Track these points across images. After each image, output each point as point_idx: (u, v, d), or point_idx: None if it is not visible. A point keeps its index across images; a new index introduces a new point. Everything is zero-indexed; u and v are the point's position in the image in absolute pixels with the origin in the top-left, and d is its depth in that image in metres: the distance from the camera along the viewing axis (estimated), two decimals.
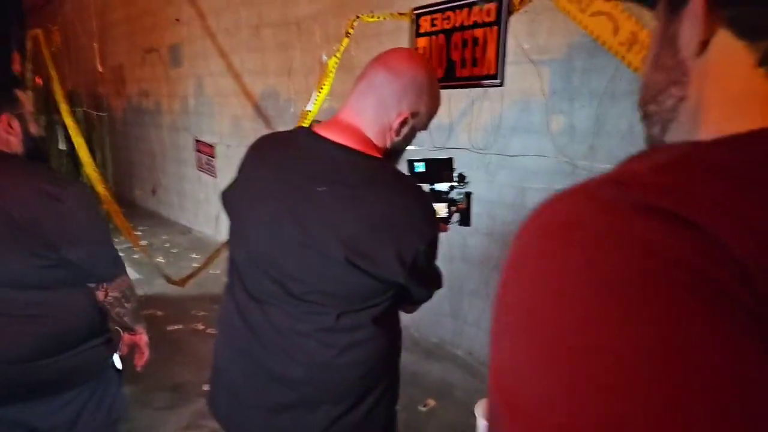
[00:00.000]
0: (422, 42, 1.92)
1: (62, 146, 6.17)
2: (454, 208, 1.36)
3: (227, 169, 5.07)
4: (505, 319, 0.33)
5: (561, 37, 2.46)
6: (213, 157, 5.40)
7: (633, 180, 0.32)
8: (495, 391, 0.33)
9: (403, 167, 1.18)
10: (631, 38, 1.38)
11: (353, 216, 0.96)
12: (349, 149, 1.01)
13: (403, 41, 2.18)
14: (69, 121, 3.82)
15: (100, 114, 7.46)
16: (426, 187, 1.36)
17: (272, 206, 1.02)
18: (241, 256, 1.10)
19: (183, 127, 5.95)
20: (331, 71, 2.41)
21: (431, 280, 1.12)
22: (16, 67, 5.28)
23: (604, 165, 2.34)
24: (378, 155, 1.04)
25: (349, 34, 2.33)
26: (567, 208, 0.33)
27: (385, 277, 0.99)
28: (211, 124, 5.42)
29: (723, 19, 0.35)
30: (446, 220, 1.36)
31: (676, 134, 0.41)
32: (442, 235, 1.10)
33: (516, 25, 2.45)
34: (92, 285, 1.49)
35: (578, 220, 0.31)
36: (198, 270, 3.80)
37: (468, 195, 1.37)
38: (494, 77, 1.70)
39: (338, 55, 2.39)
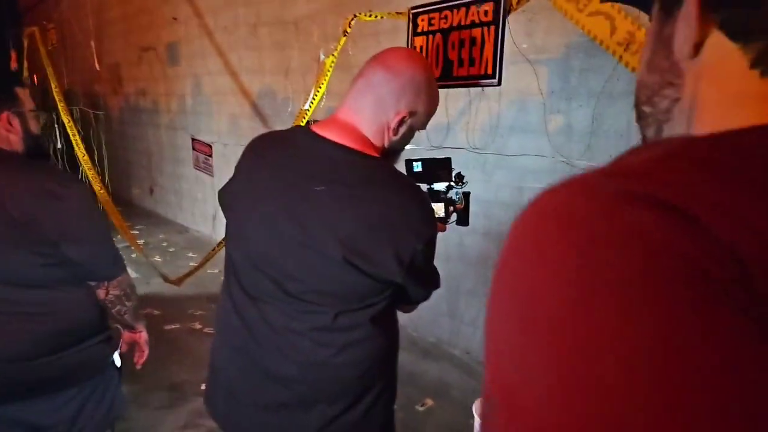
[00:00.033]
0: (419, 41, 1.92)
1: (59, 145, 6.15)
2: (452, 208, 1.36)
3: (225, 168, 5.07)
4: (499, 308, 0.33)
5: (558, 36, 2.46)
6: (210, 156, 5.39)
7: (629, 171, 0.32)
8: (491, 382, 0.33)
9: (401, 167, 1.18)
10: (629, 38, 1.38)
11: (351, 215, 0.96)
12: (347, 148, 1.01)
13: (401, 40, 2.18)
14: (66, 120, 3.81)
15: (97, 113, 7.44)
16: (424, 186, 1.36)
17: (271, 206, 1.02)
18: (239, 255, 1.10)
19: (180, 126, 5.94)
20: (328, 70, 2.41)
21: (429, 279, 1.12)
22: (13, 64, 5.26)
23: (601, 165, 2.35)
24: (376, 154, 1.04)
25: (347, 33, 2.33)
26: (563, 198, 0.33)
27: (383, 277, 0.99)
28: (208, 123, 5.41)
29: (716, 21, 0.36)
30: (444, 220, 1.36)
31: (671, 135, 0.41)
32: (439, 235, 1.10)
33: (513, 24, 2.45)
34: (93, 283, 1.49)
35: (573, 210, 0.31)
36: (195, 269, 3.79)
37: (466, 195, 1.37)
38: (491, 77, 1.70)
39: (335, 54, 2.39)
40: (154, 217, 6.81)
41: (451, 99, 2.87)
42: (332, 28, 3.66)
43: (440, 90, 1.13)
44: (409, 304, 1.18)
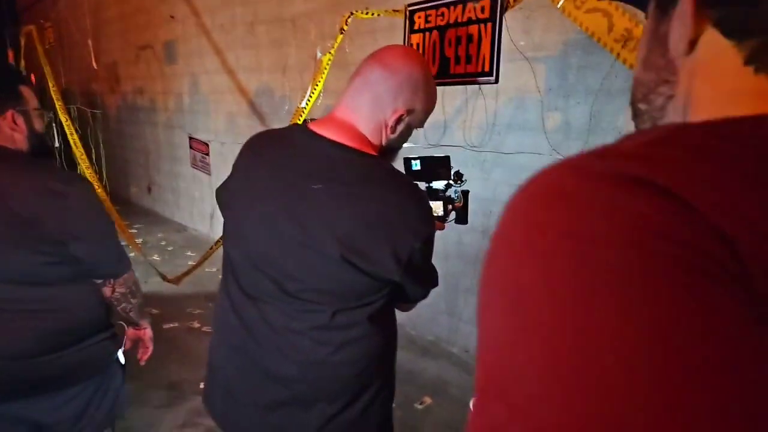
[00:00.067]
0: (416, 38, 1.91)
1: (56, 143, 6.14)
2: (450, 207, 1.36)
3: (222, 167, 5.06)
4: (490, 301, 0.33)
5: (556, 34, 2.46)
6: (207, 154, 5.38)
7: (620, 153, 0.32)
8: (482, 371, 0.33)
9: (399, 165, 1.18)
10: (626, 35, 1.38)
11: (348, 213, 0.95)
12: (344, 147, 1.00)
13: (398, 38, 2.17)
14: (64, 118, 3.80)
15: (94, 111, 7.43)
16: (422, 185, 1.36)
17: (270, 205, 1.02)
18: (238, 254, 1.10)
19: (178, 125, 5.93)
20: (325, 68, 2.41)
21: (427, 278, 1.12)
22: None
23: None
24: (373, 152, 1.04)
25: (344, 30, 2.32)
26: (553, 179, 0.33)
27: (381, 275, 0.99)
28: (206, 122, 5.40)
29: (711, 18, 0.36)
30: (443, 219, 1.36)
31: None
32: (437, 233, 1.09)
33: (511, 22, 2.45)
34: (99, 281, 1.49)
35: (563, 191, 0.31)
36: (193, 268, 3.79)
37: (465, 193, 1.37)
38: (489, 74, 1.70)
39: (332, 51, 2.38)
40: (152, 215, 6.80)
41: (448, 97, 2.87)
42: (329, 26, 3.65)
43: (437, 88, 1.13)
44: (408, 303, 1.18)
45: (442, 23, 1.81)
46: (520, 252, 0.31)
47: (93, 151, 6.98)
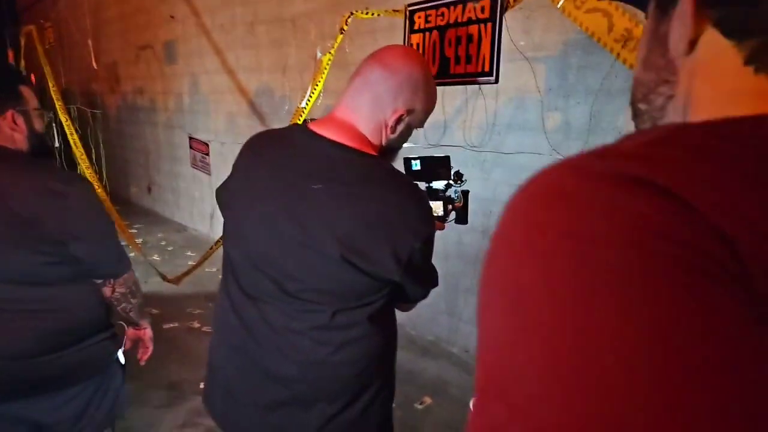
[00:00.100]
0: (416, 38, 1.91)
1: (56, 143, 6.14)
2: (450, 207, 1.36)
3: (222, 167, 5.06)
4: (489, 292, 0.33)
5: (556, 34, 2.46)
6: (207, 154, 5.38)
7: (620, 153, 0.32)
8: (482, 371, 0.33)
9: (399, 165, 1.18)
10: (626, 35, 1.38)
11: (348, 214, 0.95)
12: (344, 147, 1.00)
13: (398, 38, 2.17)
14: (64, 118, 3.80)
15: (94, 111, 7.43)
16: (423, 185, 1.36)
17: (270, 205, 1.02)
18: (238, 254, 1.10)
19: (178, 125, 5.93)
20: (325, 68, 2.41)
21: (427, 278, 1.12)
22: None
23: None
24: (373, 152, 1.04)
25: (344, 30, 2.32)
26: (553, 179, 0.33)
27: (381, 275, 0.99)
28: (206, 122, 5.40)
29: (711, 18, 0.36)
30: (443, 219, 1.35)
31: None
32: (437, 233, 1.09)
33: (511, 22, 2.45)
34: (99, 281, 1.49)
35: (563, 191, 0.31)
36: (193, 268, 3.79)
37: (465, 193, 1.37)
38: (489, 74, 1.70)
39: (332, 51, 2.38)
40: (152, 215, 6.80)
41: (448, 97, 2.87)
42: (329, 26, 3.65)
43: (437, 88, 1.13)
44: (408, 303, 1.18)
45: (442, 23, 1.80)
46: (520, 252, 0.31)
47: (93, 151, 6.98)
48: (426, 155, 1.38)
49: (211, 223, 5.58)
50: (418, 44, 1.90)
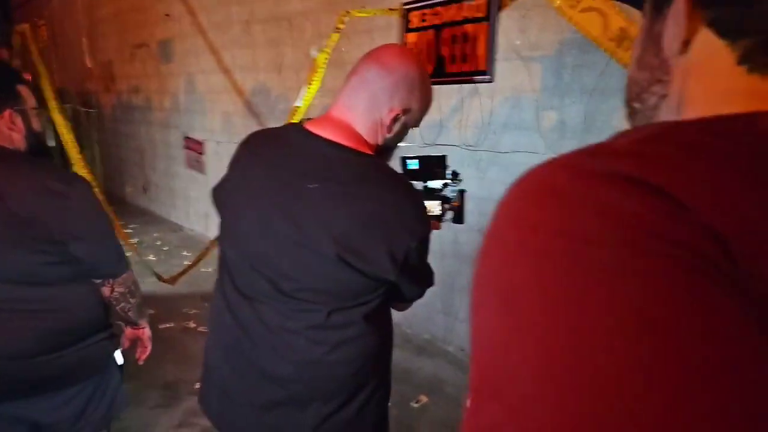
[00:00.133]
0: (412, 37, 1.91)
1: (51, 143, 6.11)
2: (447, 206, 1.36)
3: (218, 166, 5.05)
4: (483, 291, 0.33)
5: (552, 33, 2.46)
6: (201, 153, 5.36)
7: (612, 151, 0.32)
8: (476, 371, 0.33)
9: (395, 164, 1.18)
10: (621, 34, 1.38)
11: (344, 213, 0.95)
12: (340, 146, 1.00)
13: (395, 37, 2.17)
14: (58, 118, 3.78)
15: (89, 110, 7.39)
16: (419, 184, 1.36)
17: (266, 205, 1.01)
18: (234, 254, 1.10)
19: (173, 124, 5.91)
20: (321, 67, 2.40)
21: (423, 277, 1.12)
22: None
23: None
24: (370, 152, 1.04)
25: (339, 29, 2.32)
26: (545, 177, 0.33)
27: (377, 275, 0.99)
28: (202, 121, 5.39)
29: (705, 18, 0.36)
30: (439, 218, 1.35)
31: None
32: (433, 232, 1.09)
33: (507, 21, 2.45)
34: (98, 281, 1.49)
35: (555, 189, 0.31)
36: (189, 268, 3.78)
37: (461, 192, 1.37)
38: (484, 73, 1.70)
39: (327, 50, 2.38)
40: (147, 215, 6.78)
41: (443, 96, 2.87)
42: (325, 25, 3.65)
43: (433, 87, 1.13)
44: (403, 302, 1.18)
45: (438, 22, 1.80)
46: (513, 251, 0.31)
47: (88, 150, 6.94)
48: (423, 154, 1.37)
49: (207, 223, 5.56)
50: (414, 43, 1.90)
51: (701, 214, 0.26)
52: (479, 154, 2.88)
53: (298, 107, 2.49)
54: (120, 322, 1.64)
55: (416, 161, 1.36)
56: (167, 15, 5.44)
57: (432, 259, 1.12)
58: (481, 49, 1.68)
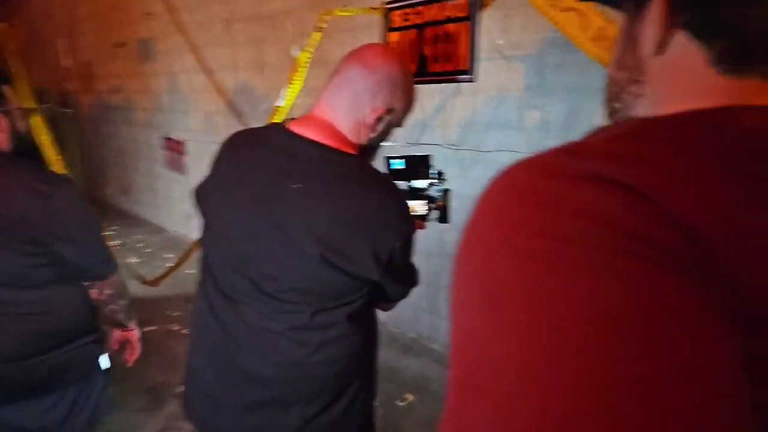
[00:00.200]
0: (394, 36, 1.91)
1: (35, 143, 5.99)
2: (432, 205, 1.36)
3: (200, 167, 5.00)
4: (465, 289, 0.34)
5: (534, 32, 2.48)
6: (182, 153, 5.31)
7: (588, 150, 0.32)
8: (459, 369, 0.32)
9: (379, 164, 1.18)
10: (600, 34, 1.39)
11: (327, 213, 0.95)
12: (323, 146, 1.00)
13: (377, 36, 2.18)
14: (36, 120, 3.71)
15: (67, 111, 7.27)
16: (404, 184, 1.35)
17: (247, 205, 1.01)
18: (216, 255, 1.09)
19: (155, 125, 5.84)
20: (303, 66, 2.39)
21: (407, 277, 1.12)
22: None
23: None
24: (353, 151, 1.04)
25: (321, 28, 2.31)
26: (521, 175, 0.33)
27: (360, 275, 0.99)
28: (184, 121, 5.33)
29: (681, 20, 0.37)
30: (424, 218, 1.35)
31: None
32: (419, 232, 1.10)
33: (489, 20, 2.46)
34: (86, 283, 1.48)
35: (535, 189, 0.31)
36: (172, 269, 3.74)
37: (446, 192, 1.37)
38: (467, 72, 1.70)
39: (310, 49, 2.37)
40: (129, 217, 6.69)
41: (426, 95, 2.87)
42: (308, 24, 3.62)
43: (416, 86, 1.13)
44: (388, 302, 1.18)
45: (420, 22, 1.81)
46: (495, 248, 0.31)
47: (67, 152, 6.83)
48: (407, 154, 1.37)
49: (189, 225, 5.51)
50: (396, 42, 1.90)
51: (678, 213, 0.27)
52: (462, 153, 2.89)
53: (280, 107, 2.47)
54: (106, 328, 1.62)
55: (401, 161, 1.36)
56: (148, 14, 5.37)
57: (417, 258, 1.12)
58: (463, 48, 1.69)
